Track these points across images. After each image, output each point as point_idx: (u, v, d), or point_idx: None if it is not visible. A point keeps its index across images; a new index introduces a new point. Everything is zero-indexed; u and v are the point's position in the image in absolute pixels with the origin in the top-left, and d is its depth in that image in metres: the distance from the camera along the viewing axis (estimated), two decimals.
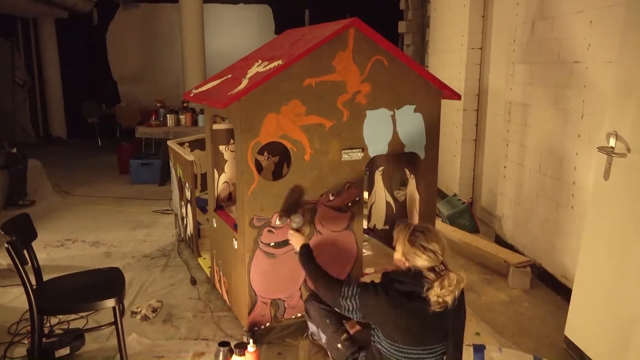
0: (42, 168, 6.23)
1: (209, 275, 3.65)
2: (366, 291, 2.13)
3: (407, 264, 2.11)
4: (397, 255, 2.16)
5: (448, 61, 5.79)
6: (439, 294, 1.99)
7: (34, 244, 2.66)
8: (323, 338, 2.55)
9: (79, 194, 6.46)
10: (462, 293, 2.11)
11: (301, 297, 2.97)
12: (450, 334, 2.11)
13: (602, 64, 3.03)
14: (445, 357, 2.14)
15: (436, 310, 2.01)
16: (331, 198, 2.91)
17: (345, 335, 2.47)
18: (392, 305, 2.06)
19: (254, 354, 2.55)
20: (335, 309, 2.27)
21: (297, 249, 2.59)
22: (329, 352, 2.57)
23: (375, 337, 2.18)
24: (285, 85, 2.68)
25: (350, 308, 2.16)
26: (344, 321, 2.54)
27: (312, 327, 2.67)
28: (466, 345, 2.54)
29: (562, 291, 3.47)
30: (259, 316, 2.89)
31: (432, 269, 2.05)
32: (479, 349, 2.52)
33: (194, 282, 3.72)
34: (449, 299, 2.00)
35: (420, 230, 2.11)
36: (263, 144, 2.72)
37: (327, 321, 2.52)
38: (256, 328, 2.91)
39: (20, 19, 10.18)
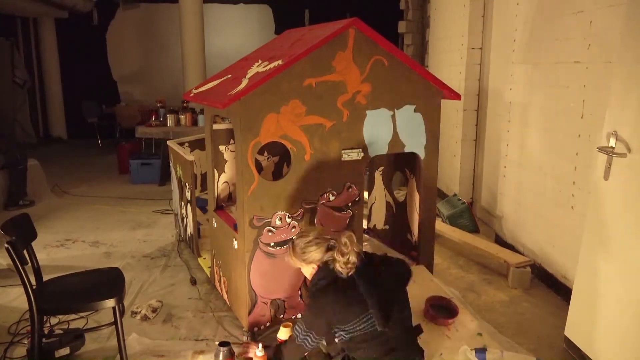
0: (40, 168, 6.21)
1: (209, 275, 3.65)
2: (306, 320, 2.28)
3: (315, 268, 2.30)
4: (304, 270, 2.37)
5: (448, 61, 5.79)
6: (344, 261, 2.17)
7: (34, 244, 2.66)
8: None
9: (79, 194, 6.46)
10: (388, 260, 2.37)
11: (301, 297, 2.98)
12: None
13: (602, 64, 3.03)
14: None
15: (352, 277, 2.16)
16: (331, 198, 2.92)
17: None
18: (333, 303, 2.19)
19: (262, 358, 2.55)
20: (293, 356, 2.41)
21: None
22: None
23: (342, 335, 2.21)
24: (285, 85, 2.68)
25: (308, 341, 2.28)
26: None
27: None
28: (469, 349, 2.55)
29: (562, 291, 3.46)
30: (259, 316, 2.89)
31: (327, 250, 2.26)
32: (480, 352, 2.52)
33: (194, 282, 3.72)
34: (353, 258, 2.18)
35: (295, 238, 2.37)
36: (263, 144, 2.72)
37: None
38: (256, 328, 2.91)
39: (20, 19, 10.17)
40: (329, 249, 2.27)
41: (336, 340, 2.29)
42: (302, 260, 2.32)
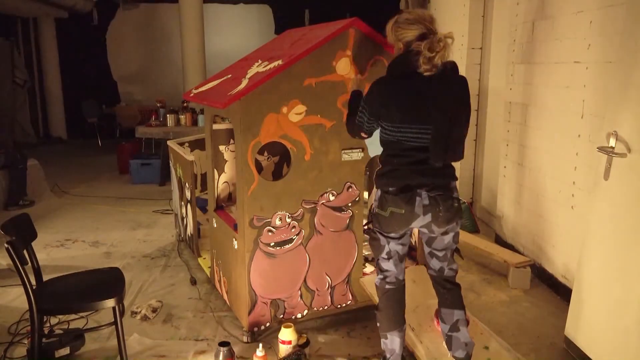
0: (40, 168, 6.21)
1: (209, 275, 3.65)
2: (368, 96, 2.29)
3: (400, 48, 2.23)
4: (395, 48, 2.29)
5: None
6: (427, 56, 2.08)
7: (34, 244, 2.66)
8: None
9: (79, 194, 6.46)
10: (463, 81, 2.26)
11: (301, 297, 2.98)
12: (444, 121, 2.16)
13: (602, 64, 3.03)
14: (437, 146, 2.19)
15: (428, 77, 2.12)
16: (331, 198, 2.92)
17: None
18: (389, 87, 2.20)
19: (262, 358, 2.55)
20: (352, 130, 2.47)
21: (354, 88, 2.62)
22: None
23: (381, 130, 2.28)
24: (285, 85, 2.68)
25: (363, 117, 2.31)
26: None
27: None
28: None
29: (562, 291, 3.46)
30: (259, 316, 2.89)
31: (421, 37, 2.14)
32: None
33: (194, 282, 3.72)
34: (438, 60, 2.09)
35: (401, 14, 2.23)
36: (263, 144, 2.72)
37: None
38: (256, 328, 2.91)
39: (20, 19, 10.18)
40: (423, 37, 2.13)
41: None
42: (395, 35, 2.22)
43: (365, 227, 2.51)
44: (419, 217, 2.23)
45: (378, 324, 2.49)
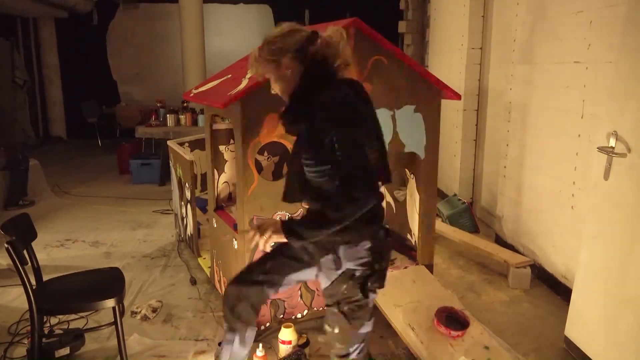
0: (40, 168, 6.21)
1: (208, 275, 3.65)
2: (350, 120, 1.67)
3: (291, 70, 1.74)
4: (275, 84, 1.80)
5: (448, 61, 5.79)
6: (335, 53, 1.72)
7: (34, 244, 2.66)
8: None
9: (79, 194, 6.46)
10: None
11: (301, 297, 2.97)
12: None
13: (602, 64, 3.03)
14: None
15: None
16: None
17: None
18: (356, 102, 1.74)
19: (262, 358, 2.55)
20: (366, 190, 1.62)
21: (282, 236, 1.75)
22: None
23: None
24: None
25: (364, 152, 1.65)
26: None
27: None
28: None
29: (562, 291, 3.46)
30: (259, 316, 2.89)
31: (307, 40, 1.73)
32: None
33: (194, 282, 3.71)
34: (348, 52, 1.75)
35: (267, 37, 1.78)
36: (263, 144, 2.72)
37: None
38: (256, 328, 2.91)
39: (20, 19, 10.17)
40: (309, 39, 1.70)
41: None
42: (271, 58, 1.72)
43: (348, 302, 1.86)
44: None
45: None
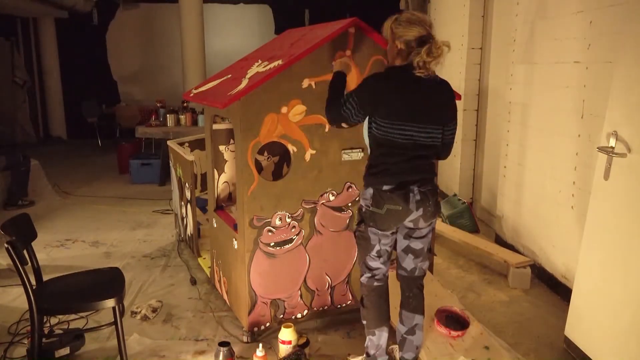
0: (40, 168, 6.20)
1: (208, 275, 3.65)
2: (362, 88, 2.29)
3: (397, 46, 2.23)
4: (389, 45, 2.31)
5: (448, 61, 5.77)
6: (425, 60, 2.15)
7: (34, 244, 2.66)
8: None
9: (79, 194, 6.46)
10: (452, 90, 2.37)
11: (301, 297, 2.98)
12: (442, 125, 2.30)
13: (602, 64, 3.03)
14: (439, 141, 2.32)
15: (423, 78, 2.20)
16: (331, 198, 2.92)
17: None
18: (389, 84, 2.22)
19: (262, 358, 2.55)
20: (334, 117, 2.38)
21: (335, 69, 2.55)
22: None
23: (373, 127, 2.26)
24: (285, 85, 2.68)
25: (352, 109, 2.26)
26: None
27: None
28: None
29: (562, 291, 3.46)
30: (259, 316, 2.89)
31: (420, 39, 2.18)
32: None
33: (194, 282, 3.71)
34: (434, 66, 2.20)
35: (402, 14, 2.27)
36: (263, 144, 2.72)
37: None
38: (256, 328, 2.91)
39: (20, 19, 10.17)
40: (422, 40, 2.18)
41: (366, 136, 2.32)
42: (393, 32, 2.24)
43: (357, 225, 2.48)
44: (412, 212, 2.27)
45: (364, 322, 2.49)
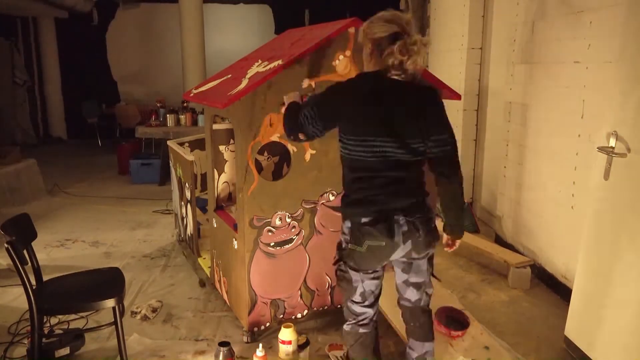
0: (37, 168, 6.17)
1: (209, 275, 3.65)
2: (324, 96, 2.03)
3: (369, 47, 1.94)
4: (365, 50, 1.99)
5: (448, 61, 5.78)
6: (398, 59, 1.85)
7: (34, 244, 2.66)
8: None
9: (79, 194, 6.46)
10: (436, 96, 2.01)
11: (301, 297, 2.97)
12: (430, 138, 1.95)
13: (602, 64, 3.03)
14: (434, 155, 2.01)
15: (396, 80, 1.90)
16: (331, 198, 2.92)
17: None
18: (354, 92, 1.93)
19: (262, 358, 2.56)
20: (291, 127, 2.15)
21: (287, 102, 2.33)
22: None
23: (340, 148, 2.00)
24: (285, 85, 2.68)
25: (308, 116, 2.01)
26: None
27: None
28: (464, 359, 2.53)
29: (562, 291, 3.46)
30: (259, 316, 2.89)
31: (393, 37, 1.86)
32: None
33: (203, 284, 3.66)
34: (410, 66, 1.87)
35: (377, 13, 1.96)
36: (263, 144, 2.72)
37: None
38: (256, 328, 2.91)
39: (20, 19, 10.17)
40: (396, 37, 1.85)
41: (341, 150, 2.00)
42: (365, 32, 1.94)
43: (335, 265, 2.16)
44: (400, 247, 1.97)
45: None
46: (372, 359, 2.18)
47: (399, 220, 1.94)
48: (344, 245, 2.06)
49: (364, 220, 1.94)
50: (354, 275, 2.06)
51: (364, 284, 2.07)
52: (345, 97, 1.94)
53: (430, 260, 2.17)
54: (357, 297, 2.10)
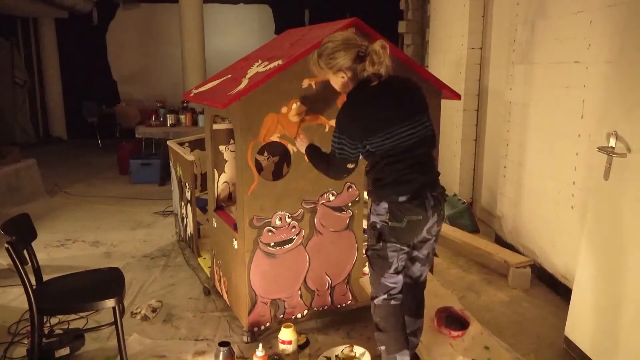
0: (37, 167, 6.18)
1: (209, 275, 3.65)
2: (342, 125, 2.20)
3: (344, 77, 2.19)
4: (332, 82, 2.26)
5: (448, 61, 5.78)
6: (372, 71, 2.10)
7: (34, 244, 2.66)
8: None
9: (79, 194, 6.46)
10: (410, 80, 2.29)
11: (301, 297, 2.98)
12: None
13: (602, 64, 3.03)
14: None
15: (387, 85, 2.15)
16: (331, 198, 2.92)
17: None
18: (359, 104, 2.17)
19: (262, 358, 2.56)
20: (338, 169, 2.32)
21: (303, 150, 2.57)
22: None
23: (368, 149, 2.18)
24: (285, 85, 2.68)
25: (344, 147, 2.20)
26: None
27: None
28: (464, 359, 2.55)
29: (562, 291, 3.46)
30: (259, 316, 2.89)
31: (357, 58, 2.13)
32: None
33: (207, 292, 3.55)
34: (383, 70, 2.12)
35: (323, 42, 2.22)
36: (263, 144, 2.72)
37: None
38: (256, 328, 2.91)
39: (20, 19, 10.17)
40: (359, 57, 2.12)
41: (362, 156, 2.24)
42: (329, 67, 2.18)
43: (367, 247, 2.35)
44: (430, 219, 2.21)
45: (383, 347, 2.34)
46: (402, 327, 2.34)
47: (427, 195, 2.19)
48: (379, 226, 2.21)
49: (401, 198, 2.15)
50: (391, 252, 2.24)
51: (398, 258, 2.26)
52: (358, 110, 2.17)
53: (436, 237, 2.39)
54: (391, 271, 2.27)
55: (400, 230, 2.18)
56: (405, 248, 2.27)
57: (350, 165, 2.28)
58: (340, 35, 2.20)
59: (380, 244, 2.23)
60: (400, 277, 2.31)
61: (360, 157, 2.26)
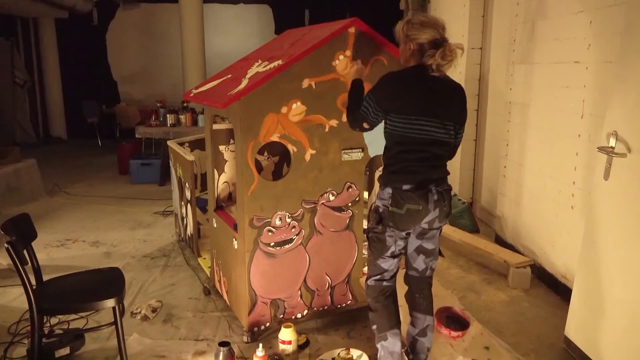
0: (37, 167, 6.18)
1: (209, 275, 3.65)
2: (377, 87, 2.29)
3: (410, 48, 2.25)
4: (401, 46, 2.32)
5: None
6: (439, 63, 2.16)
7: (34, 244, 2.66)
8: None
9: (79, 194, 6.46)
10: (464, 93, 2.35)
11: (301, 297, 2.98)
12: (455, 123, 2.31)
13: (602, 64, 3.03)
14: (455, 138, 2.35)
15: (438, 81, 2.22)
16: (331, 198, 2.92)
17: None
18: (403, 81, 2.24)
19: (262, 358, 2.56)
20: (355, 119, 2.38)
21: (351, 79, 2.59)
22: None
23: (389, 125, 2.27)
24: (285, 85, 2.68)
25: (369, 107, 2.27)
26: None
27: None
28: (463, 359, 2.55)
29: (562, 291, 3.47)
30: (259, 316, 2.89)
31: (433, 42, 2.19)
32: None
33: (207, 292, 3.56)
34: (446, 67, 2.20)
35: (415, 16, 2.29)
36: (263, 144, 2.72)
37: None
38: (256, 328, 2.91)
39: (20, 19, 10.18)
40: (435, 43, 2.19)
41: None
42: (406, 34, 2.25)
43: (367, 228, 2.47)
44: (430, 212, 2.27)
45: (374, 327, 2.44)
46: (393, 309, 2.43)
47: (432, 189, 2.25)
48: (381, 210, 2.31)
49: (405, 187, 2.23)
50: (389, 237, 2.33)
51: (396, 243, 2.35)
52: (399, 83, 2.25)
53: (440, 232, 2.45)
54: (388, 254, 2.37)
55: (399, 216, 2.26)
56: (402, 234, 2.34)
57: (365, 125, 2.35)
58: (433, 17, 2.28)
59: (380, 227, 2.33)
60: (396, 261, 2.41)
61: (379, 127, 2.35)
